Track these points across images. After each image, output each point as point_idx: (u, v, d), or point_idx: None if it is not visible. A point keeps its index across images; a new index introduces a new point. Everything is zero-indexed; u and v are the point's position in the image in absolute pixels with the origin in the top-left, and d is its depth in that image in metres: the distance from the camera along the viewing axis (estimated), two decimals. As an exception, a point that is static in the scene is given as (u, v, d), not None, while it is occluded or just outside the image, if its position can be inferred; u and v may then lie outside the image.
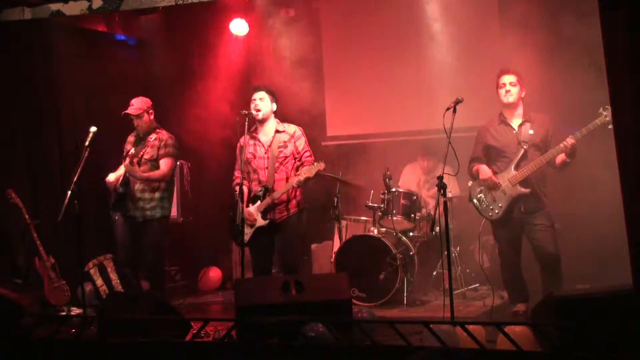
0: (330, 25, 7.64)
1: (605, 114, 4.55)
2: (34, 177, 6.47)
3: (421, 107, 6.76)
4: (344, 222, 6.36)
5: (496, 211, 4.96)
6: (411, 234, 6.18)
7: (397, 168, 6.77)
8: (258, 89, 5.22)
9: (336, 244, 6.22)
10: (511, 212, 4.94)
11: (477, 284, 6.20)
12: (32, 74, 6.35)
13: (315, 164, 5.06)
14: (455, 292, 4.76)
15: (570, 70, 5.52)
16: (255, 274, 5.33)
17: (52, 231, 5.91)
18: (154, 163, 5.42)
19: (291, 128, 5.26)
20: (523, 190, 4.87)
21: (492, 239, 5.50)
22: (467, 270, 6.28)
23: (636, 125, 3.07)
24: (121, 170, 5.52)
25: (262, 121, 5.17)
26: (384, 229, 6.10)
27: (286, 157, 5.17)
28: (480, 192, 5.05)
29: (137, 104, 5.48)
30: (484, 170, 5.03)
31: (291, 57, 6.84)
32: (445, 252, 4.77)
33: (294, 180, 5.04)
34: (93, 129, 5.16)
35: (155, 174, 5.43)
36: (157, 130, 5.55)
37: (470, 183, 5.21)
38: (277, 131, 5.20)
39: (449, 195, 5.24)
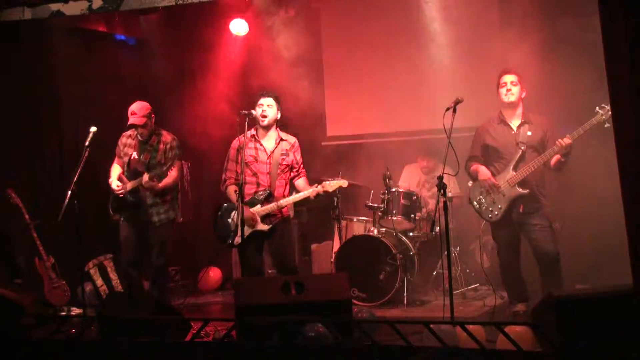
0: (330, 25, 7.64)
1: (602, 113, 4.56)
2: (34, 177, 6.47)
3: (421, 107, 6.77)
4: (344, 222, 6.36)
5: (496, 213, 4.97)
6: (411, 234, 6.18)
7: (397, 168, 6.77)
8: (267, 94, 5.15)
9: (336, 244, 6.22)
10: (510, 213, 4.95)
11: (477, 284, 6.20)
12: (32, 74, 6.35)
13: (336, 180, 5.08)
14: (455, 292, 4.77)
15: (570, 71, 5.53)
16: (248, 274, 5.28)
17: (52, 231, 5.92)
18: (162, 166, 5.35)
19: (291, 138, 5.26)
20: (522, 191, 4.87)
21: (492, 239, 5.51)
22: (467, 270, 6.28)
23: (636, 125, 3.07)
24: (116, 170, 5.47)
25: (267, 127, 5.15)
26: (384, 229, 6.11)
27: (287, 165, 5.17)
28: (480, 194, 5.05)
29: (139, 112, 5.31)
30: (483, 172, 5.03)
31: (291, 57, 6.84)
32: (445, 252, 4.77)
33: (313, 191, 5.01)
34: (93, 129, 5.15)
35: (170, 181, 5.34)
36: (159, 131, 5.47)
37: (469, 184, 5.21)
38: (280, 139, 5.19)
39: (449, 195, 5.24)
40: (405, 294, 5.74)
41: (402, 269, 5.72)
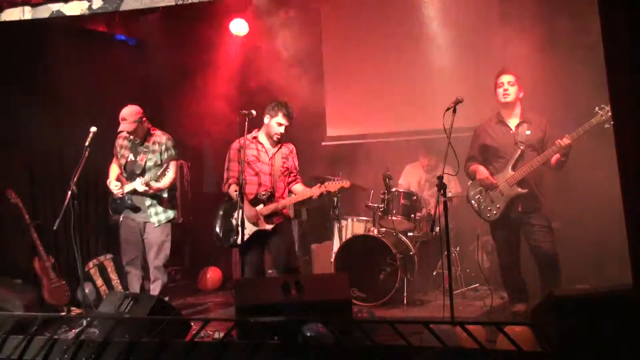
0: (330, 25, 7.64)
1: (601, 113, 4.56)
2: (34, 177, 6.47)
3: (421, 107, 6.77)
4: (344, 222, 6.37)
5: (494, 212, 4.96)
6: (411, 234, 6.18)
7: (397, 168, 6.77)
8: (288, 116, 5.13)
9: (336, 244, 6.23)
10: (509, 213, 4.94)
11: (477, 284, 6.21)
12: (32, 74, 6.35)
13: (339, 180, 5.09)
14: (455, 292, 4.76)
15: (569, 70, 5.53)
16: (250, 274, 5.28)
17: (52, 231, 5.91)
18: (159, 168, 5.34)
19: (290, 145, 5.31)
20: (520, 190, 4.87)
21: (492, 239, 5.51)
22: (467, 270, 6.29)
23: (636, 125, 3.07)
24: (115, 171, 5.47)
25: (275, 144, 5.20)
26: (384, 229, 6.11)
27: (287, 169, 5.22)
28: (478, 193, 5.05)
29: (130, 117, 5.28)
30: (481, 171, 5.03)
31: (291, 57, 6.84)
32: (445, 252, 4.77)
33: (316, 191, 5.01)
34: (93, 129, 5.14)
35: (167, 181, 5.32)
36: (152, 131, 5.44)
37: (468, 183, 5.21)
38: (281, 144, 5.22)
39: (449, 194, 5.24)
40: (405, 294, 5.74)
41: (402, 269, 5.72)
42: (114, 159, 5.54)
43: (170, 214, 5.44)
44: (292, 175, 5.27)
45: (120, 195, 5.34)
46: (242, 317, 4.04)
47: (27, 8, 5.49)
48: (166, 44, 7.11)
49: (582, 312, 3.36)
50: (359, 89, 7.35)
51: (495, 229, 5.12)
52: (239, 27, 7.20)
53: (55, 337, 3.93)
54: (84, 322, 4.51)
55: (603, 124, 4.53)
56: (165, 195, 5.40)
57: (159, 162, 5.32)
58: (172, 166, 5.38)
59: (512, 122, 5.01)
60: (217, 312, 6.11)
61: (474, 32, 6.57)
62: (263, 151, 5.18)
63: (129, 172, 5.38)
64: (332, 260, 6.06)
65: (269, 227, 5.06)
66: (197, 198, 7.31)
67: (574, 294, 3.81)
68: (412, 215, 6.09)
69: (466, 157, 5.17)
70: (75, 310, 5.80)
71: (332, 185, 5.02)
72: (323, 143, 7.48)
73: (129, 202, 5.33)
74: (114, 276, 6.16)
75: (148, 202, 5.34)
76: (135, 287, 5.48)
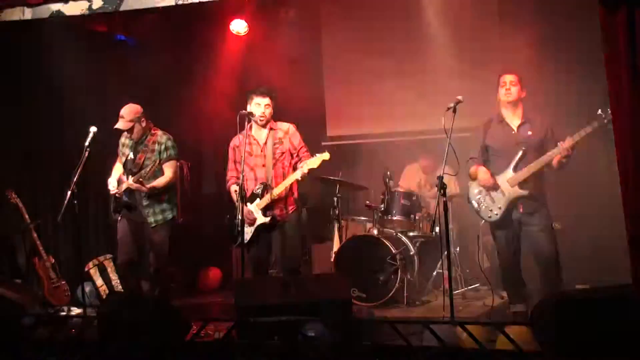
0: (330, 25, 7.64)
1: (604, 116, 4.53)
2: (34, 177, 6.47)
3: (421, 107, 6.77)
4: (344, 222, 6.36)
5: (495, 212, 4.95)
6: (411, 234, 6.18)
7: (397, 168, 6.77)
8: (264, 93, 5.12)
9: (336, 244, 6.22)
10: (510, 213, 4.93)
11: (477, 284, 6.20)
12: (32, 74, 6.35)
13: (318, 155, 4.98)
14: (455, 292, 4.76)
15: (570, 71, 5.53)
16: (254, 272, 5.30)
17: (52, 231, 5.92)
18: (158, 167, 5.34)
19: (284, 125, 5.22)
20: (521, 191, 4.86)
21: (492, 239, 5.50)
22: (467, 270, 6.28)
23: (636, 126, 3.07)
24: (118, 170, 5.48)
25: (264, 125, 5.15)
26: (384, 229, 6.11)
27: (282, 153, 5.13)
28: (479, 193, 5.04)
29: (127, 116, 5.28)
30: (482, 171, 5.02)
31: (291, 57, 6.85)
32: (445, 252, 4.77)
33: (297, 173, 4.95)
34: (93, 129, 5.15)
35: (163, 181, 5.30)
36: (152, 131, 5.43)
37: (469, 183, 5.21)
38: (270, 128, 5.16)
39: (449, 193, 5.24)
40: (405, 294, 5.74)
41: (402, 269, 5.72)
42: (118, 158, 5.54)
43: (169, 214, 5.42)
44: (294, 156, 5.15)
45: (118, 195, 5.33)
46: (242, 317, 4.05)
47: (27, 8, 5.49)
48: (166, 44, 7.11)
49: (582, 312, 3.36)
50: (359, 89, 7.35)
51: (496, 229, 5.11)
52: (239, 27, 7.20)
53: (55, 337, 3.93)
54: (84, 322, 4.51)
55: (605, 126, 4.50)
56: (163, 195, 5.39)
57: (158, 162, 5.31)
58: (170, 166, 5.37)
59: (514, 123, 5.00)
60: (217, 312, 6.11)
61: (474, 32, 6.57)
62: (255, 144, 5.15)
63: (128, 171, 5.37)
64: (332, 260, 6.06)
65: (267, 219, 5.04)
66: (197, 198, 7.30)
67: (573, 294, 3.82)
68: (412, 215, 6.08)
69: (469, 157, 5.15)
70: (75, 310, 5.80)
71: (313, 162, 4.94)
72: (323, 143, 7.47)
73: (127, 201, 5.32)
74: (114, 276, 6.16)
75: (146, 202, 5.33)
76: (133, 287, 5.48)
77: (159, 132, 5.44)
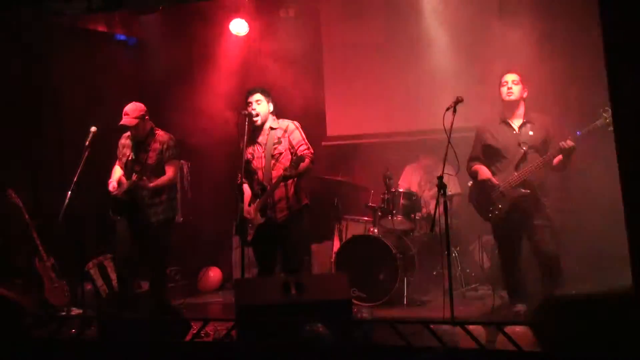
0: (330, 25, 7.63)
1: (606, 116, 4.53)
2: (34, 177, 6.47)
3: (421, 107, 6.77)
4: (344, 222, 6.36)
5: (496, 212, 4.95)
6: (411, 234, 6.18)
7: (397, 168, 6.77)
8: (253, 91, 5.09)
9: (336, 244, 6.23)
10: (511, 213, 4.93)
11: (477, 284, 6.20)
12: (32, 74, 6.35)
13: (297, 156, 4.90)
14: (455, 292, 4.76)
15: (571, 71, 5.52)
16: (259, 272, 5.30)
17: (52, 231, 5.91)
18: (159, 167, 5.34)
19: (284, 123, 5.14)
20: (523, 191, 4.86)
21: (492, 239, 5.50)
22: (467, 270, 6.28)
23: (636, 125, 3.07)
24: (117, 172, 5.47)
25: (262, 123, 5.14)
26: (384, 229, 6.10)
27: (281, 153, 5.06)
28: (480, 193, 5.04)
29: (132, 113, 5.26)
30: (484, 171, 5.02)
31: (291, 57, 6.84)
32: (445, 252, 4.77)
33: (283, 173, 4.86)
34: (93, 129, 5.15)
35: (164, 180, 5.30)
36: (155, 131, 5.43)
37: (469, 183, 5.21)
38: (271, 128, 5.12)
39: (449, 193, 5.24)
40: (405, 294, 5.74)
41: (402, 269, 5.72)
42: (117, 161, 5.53)
43: (169, 214, 5.42)
44: (293, 155, 5.05)
45: (118, 195, 5.33)
46: (242, 317, 4.04)
47: (27, 8, 5.50)
48: (166, 44, 7.12)
49: (582, 313, 3.36)
50: (359, 89, 7.34)
51: (497, 229, 5.11)
52: (239, 27, 7.21)
53: (55, 337, 3.93)
54: (84, 322, 4.51)
55: (607, 126, 4.49)
56: (163, 195, 5.38)
57: (159, 161, 5.31)
58: (172, 166, 5.37)
59: (516, 123, 5.00)
60: (217, 312, 6.11)
61: (474, 32, 6.56)
62: (258, 145, 5.13)
63: (129, 171, 5.37)
64: (332, 260, 6.06)
65: (262, 220, 5.02)
66: (197, 198, 7.30)
67: (574, 294, 3.82)
68: (412, 215, 6.09)
69: (469, 156, 5.16)
70: (75, 310, 5.80)
71: (294, 163, 4.84)
72: (323, 143, 7.47)
73: (127, 201, 5.32)
74: (114, 276, 6.16)
75: (146, 201, 5.33)
76: (132, 287, 5.48)
77: (161, 132, 5.45)
